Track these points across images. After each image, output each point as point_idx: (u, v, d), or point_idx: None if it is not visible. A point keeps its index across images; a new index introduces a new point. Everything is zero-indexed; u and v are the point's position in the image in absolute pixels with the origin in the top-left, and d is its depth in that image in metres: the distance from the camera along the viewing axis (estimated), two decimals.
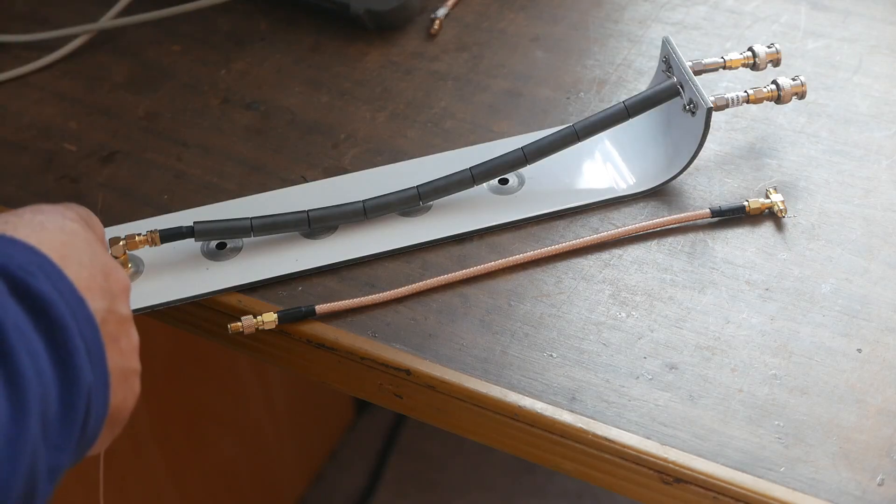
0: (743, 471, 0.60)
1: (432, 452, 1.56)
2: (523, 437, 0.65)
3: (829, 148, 0.76)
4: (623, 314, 0.67)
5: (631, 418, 0.63)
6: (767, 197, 0.72)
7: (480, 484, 1.52)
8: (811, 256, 0.70)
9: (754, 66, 0.75)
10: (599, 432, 0.62)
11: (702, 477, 0.60)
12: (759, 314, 0.67)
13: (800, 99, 0.75)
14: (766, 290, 0.68)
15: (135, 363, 0.55)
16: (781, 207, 0.71)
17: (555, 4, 0.89)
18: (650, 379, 0.64)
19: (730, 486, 0.60)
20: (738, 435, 0.61)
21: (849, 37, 0.83)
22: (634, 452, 0.62)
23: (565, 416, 0.63)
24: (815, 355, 0.65)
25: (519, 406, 0.64)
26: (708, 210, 0.72)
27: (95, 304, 0.51)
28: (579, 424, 0.63)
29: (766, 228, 0.71)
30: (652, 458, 0.61)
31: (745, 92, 0.74)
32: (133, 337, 0.55)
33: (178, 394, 1.18)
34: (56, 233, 0.52)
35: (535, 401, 0.64)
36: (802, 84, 0.74)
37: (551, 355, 0.66)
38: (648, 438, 0.62)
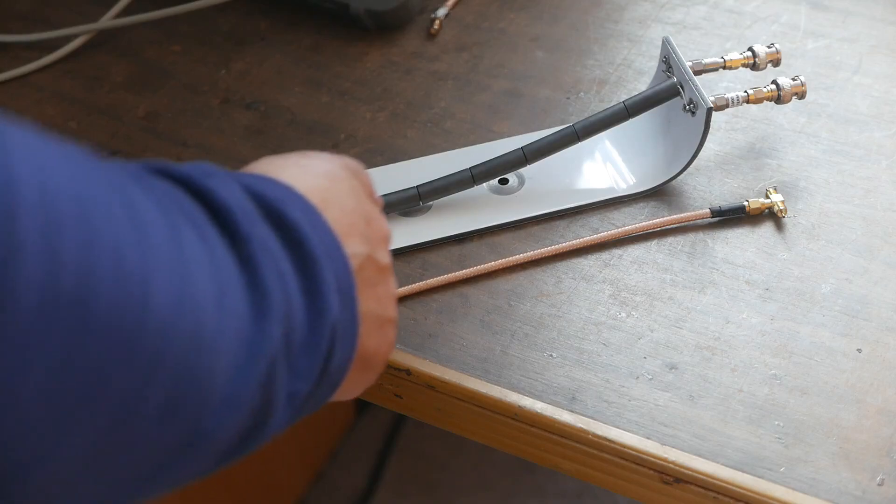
0: (743, 471, 0.60)
1: (432, 452, 1.56)
2: (523, 437, 0.65)
3: (829, 148, 0.76)
4: (623, 314, 0.67)
5: (631, 418, 0.63)
6: (767, 197, 0.72)
7: (480, 484, 1.52)
8: (811, 256, 0.70)
9: (754, 66, 0.75)
10: (599, 432, 0.62)
11: (702, 477, 0.60)
12: (759, 314, 0.67)
13: (800, 99, 0.75)
14: (766, 290, 0.68)
15: (391, 312, 0.55)
16: (781, 207, 0.71)
17: (555, 4, 0.89)
18: (650, 379, 0.64)
19: (730, 486, 0.60)
20: (738, 435, 0.61)
21: (849, 37, 0.83)
22: (634, 452, 0.62)
23: (565, 416, 0.63)
24: (815, 355, 0.65)
25: (519, 406, 0.64)
26: (708, 210, 0.72)
27: (354, 249, 0.51)
28: (579, 424, 0.63)
29: (766, 228, 0.71)
30: (652, 458, 0.61)
31: (745, 92, 0.74)
32: (391, 286, 0.55)
33: None
34: (320, 177, 0.52)
35: (535, 401, 0.64)
36: (802, 84, 0.74)
37: (551, 355, 0.66)
38: (648, 438, 0.62)
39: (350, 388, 0.54)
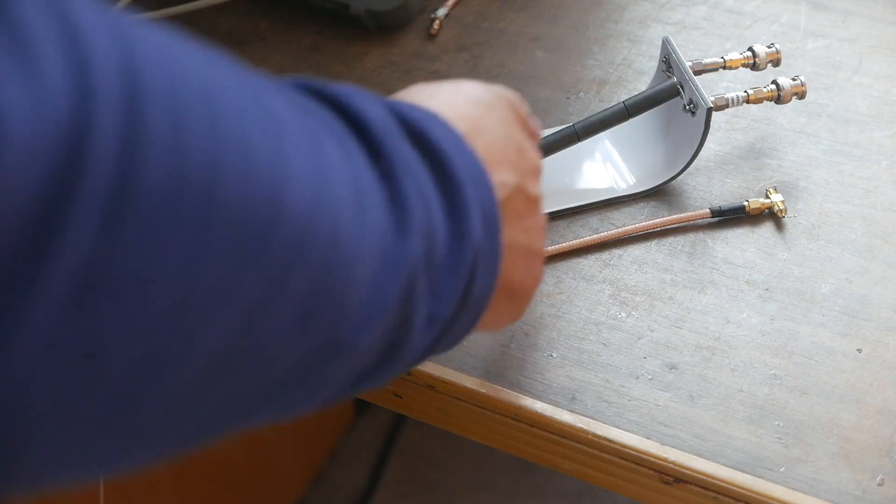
0: (743, 471, 0.60)
1: (432, 452, 1.56)
2: (523, 437, 0.65)
3: (829, 148, 0.76)
4: (623, 314, 0.67)
5: (631, 418, 0.62)
6: (767, 197, 0.72)
7: (480, 484, 1.52)
8: (811, 256, 0.70)
9: (754, 66, 0.75)
10: (599, 432, 0.62)
11: (702, 477, 0.60)
12: (759, 314, 0.67)
13: (800, 99, 0.75)
14: (766, 290, 0.68)
15: (538, 245, 0.54)
16: (781, 207, 0.71)
17: (555, 4, 0.89)
18: (650, 379, 0.64)
19: (730, 486, 0.60)
20: (738, 435, 0.61)
21: (849, 37, 0.83)
22: (634, 452, 0.62)
23: (565, 416, 0.63)
24: (815, 355, 0.65)
25: (519, 406, 0.64)
26: (708, 210, 0.72)
27: (503, 178, 0.50)
28: (579, 424, 0.63)
29: (766, 228, 0.71)
30: (652, 458, 0.61)
31: (745, 92, 0.74)
32: (540, 219, 0.54)
33: None
34: (471, 105, 0.51)
35: (535, 401, 0.64)
36: (802, 84, 0.74)
37: (551, 355, 0.66)
38: (648, 438, 0.62)
39: (494, 320, 0.53)
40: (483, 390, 0.65)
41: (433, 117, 0.47)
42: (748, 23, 0.85)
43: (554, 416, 0.63)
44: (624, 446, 0.62)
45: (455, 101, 0.51)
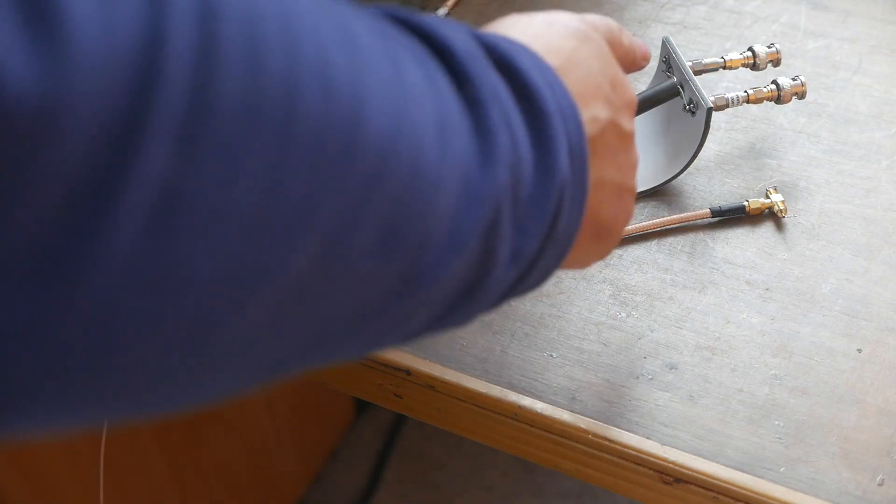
0: (743, 471, 0.60)
1: (432, 452, 1.56)
2: (523, 437, 0.65)
3: (829, 148, 0.76)
4: (623, 314, 0.67)
5: (631, 418, 0.63)
6: (767, 197, 0.72)
7: (480, 484, 1.52)
8: (811, 256, 0.70)
9: (754, 66, 0.75)
10: (599, 432, 0.62)
11: (702, 477, 0.60)
12: (759, 314, 0.67)
13: (800, 99, 0.75)
14: (766, 290, 0.68)
15: (631, 181, 0.53)
16: (781, 207, 0.71)
17: (554, 4, 0.89)
18: (650, 379, 0.64)
19: (730, 486, 0.60)
20: (738, 435, 0.61)
21: (849, 37, 0.83)
22: (634, 452, 0.62)
23: (565, 416, 0.63)
24: (815, 355, 0.65)
25: (519, 406, 0.64)
26: (708, 210, 0.72)
27: (596, 112, 0.49)
28: (579, 424, 0.63)
29: (766, 228, 0.71)
30: (652, 458, 0.61)
31: (745, 92, 0.74)
32: (632, 155, 0.53)
33: None
34: (565, 37, 0.50)
35: (535, 401, 0.64)
36: (802, 84, 0.74)
37: (551, 355, 0.66)
38: (648, 438, 0.62)
39: (581, 257, 0.53)
40: (483, 390, 0.65)
41: (523, 49, 0.46)
42: (748, 23, 0.85)
43: (554, 416, 0.63)
44: (624, 446, 0.62)
45: (548, 34, 0.50)
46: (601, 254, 0.53)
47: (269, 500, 1.48)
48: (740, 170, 0.75)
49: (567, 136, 0.45)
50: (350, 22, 0.36)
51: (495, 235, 0.41)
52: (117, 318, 0.29)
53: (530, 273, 0.46)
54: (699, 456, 0.61)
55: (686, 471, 0.61)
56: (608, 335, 0.66)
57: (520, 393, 0.64)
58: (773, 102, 0.75)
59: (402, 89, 0.37)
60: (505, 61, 0.44)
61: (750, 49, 0.75)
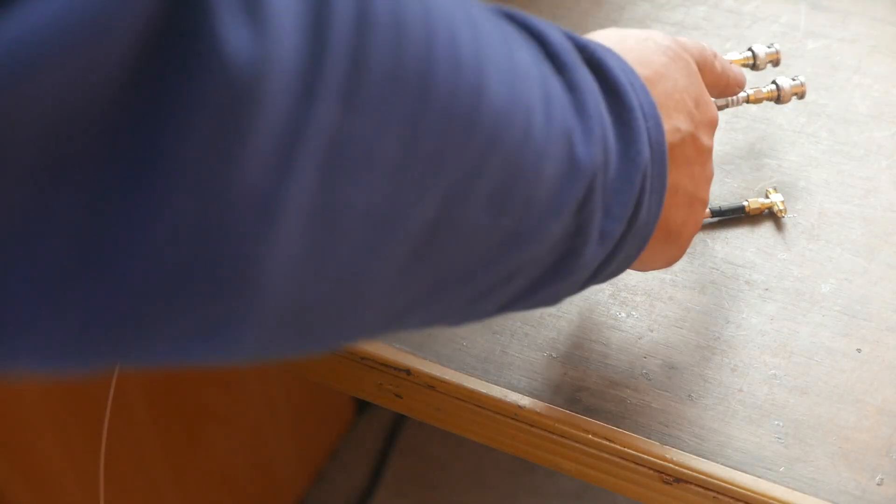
0: (743, 471, 0.60)
1: (432, 452, 1.56)
2: (523, 437, 0.65)
3: (829, 148, 0.76)
4: (623, 314, 0.67)
5: (631, 418, 0.63)
6: (767, 197, 0.72)
7: (480, 484, 1.52)
8: (811, 256, 0.70)
9: (754, 66, 0.75)
10: (599, 432, 0.62)
11: (702, 477, 0.60)
12: (759, 314, 0.67)
13: (800, 99, 0.75)
14: (766, 290, 0.68)
15: (704, 193, 0.57)
16: (781, 207, 0.71)
17: (554, 4, 0.89)
18: (650, 379, 0.64)
19: (730, 486, 0.60)
20: (738, 435, 0.61)
21: (849, 37, 0.83)
22: (634, 452, 0.62)
23: (565, 416, 0.63)
24: (815, 355, 0.65)
25: (519, 406, 0.64)
26: (708, 210, 0.72)
27: (677, 123, 0.53)
28: (579, 424, 0.63)
29: (766, 228, 0.71)
30: (652, 458, 0.61)
31: (745, 92, 0.74)
32: (709, 169, 0.57)
33: (178, 393, 1.18)
34: (656, 53, 0.54)
35: (535, 401, 0.64)
36: (802, 84, 0.74)
37: (551, 355, 0.66)
38: (648, 438, 0.62)
39: (651, 259, 0.56)
40: (483, 390, 0.65)
41: (612, 53, 0.50)
42: (748, 23, 0.85)
43: (554, 416, 0.63)
44: (624, 446, 0.62)
45: (641, 48, 0.54)
46: (668, 259, 0.57)
47: (269, 500, 1.48)
48: (740, 170, 0.75)
49: (649, 133, 0.49)
50: (472, 8, 0.41)
51: (588, 210, 0.45)
52: (301, 248, 0.34)
53: (613, 258, 0.50)
54: (699, 456, 0.61)
55: (686, 471, 0.61)
56: (608, 335, 0.67)
57: (520, 393, 0.64)
58: (772, 102, 0.75)
59: (514, 66, 0.42)
60: (594, 59, 0.48)
61: (749, 49, 0.75)
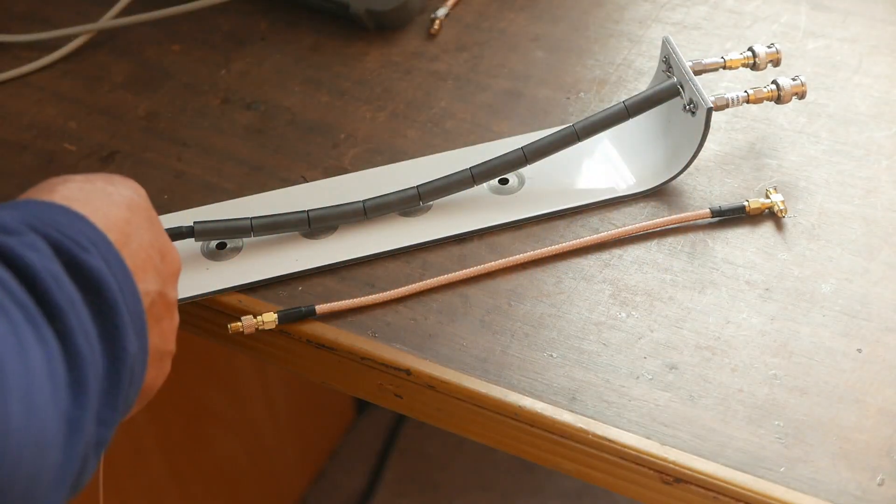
0: (743, 471, 0.60)
1: (432, 452, 1.56)
2: (523, 437, 0.65)
3: (829, 148, 0.76)
4: (623, 314, 0.67)
5: (631, 418, 0.63)
6: (767, 197, 0.72)
7: (480, 484, 1.52)
8: (811, 256, 0.70)
9: (754, 66, 0.75)
10: (599, 432, 0.62)
11: (702, 477, 0.60)
12: (759, 314, 0.67)
13: (800, 99, 0.75)
14: (766, 290, 0.68)
15: (171, 345, 0.57)
16: (781, 207, 0.71)
17: (555, 4, 0.89)
18: (650, 379, 0.64)
19: (730, 486, 0.60)
20: (738, 435, 0.61)
21: (849, 37, 0.83)
22: (634, 452, 0.62)
23: (565, 416, 0.63)
24: (815, 355, 0.65)
25: (519, 406, 0.64)
26: (708, 210, 0.72)
27: (147, 286, 0.53)
28: (579, 424, 0.63)
29: (766, 228, 0.71)
30: (652, 458, 0.61)
31: (745, 92, 0.74)
32: (175, 320, 0.57)
33: (178, 394, 1.18)
34: (122, 209, 0.54)
35: (535, 401, 0.64)
36: (802, 84, 0.74)
37: (551, 355, 0.66)
38: (648, 438, 0.62)
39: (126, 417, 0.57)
40: (483, 390, 0.65)
41: (89, 230, 0.50)
42: (748, 23, 0.85)
43: (554, 416, 0.63)
44: (624, 446, 0.62)
45: (109, 204, 0.53)
46: (138, 409, 0.57)
47: (269, 500, 1.48)
48: (740, 170, 0.75)
49: (130, 315, 0.49)
50: None
51: (88, 453, 0.46)
52: None
53: (106, 446, 0.50)
54: (699, 456, 0.61)
55: (686, 471, 0.61)
56: (608, 335, 0.66)
57: (520, 393, 0.64)
58: (773, 102, 0.75)
59: None
60: (76, 263, 0.48)
61: (750, 49, 0.75)
